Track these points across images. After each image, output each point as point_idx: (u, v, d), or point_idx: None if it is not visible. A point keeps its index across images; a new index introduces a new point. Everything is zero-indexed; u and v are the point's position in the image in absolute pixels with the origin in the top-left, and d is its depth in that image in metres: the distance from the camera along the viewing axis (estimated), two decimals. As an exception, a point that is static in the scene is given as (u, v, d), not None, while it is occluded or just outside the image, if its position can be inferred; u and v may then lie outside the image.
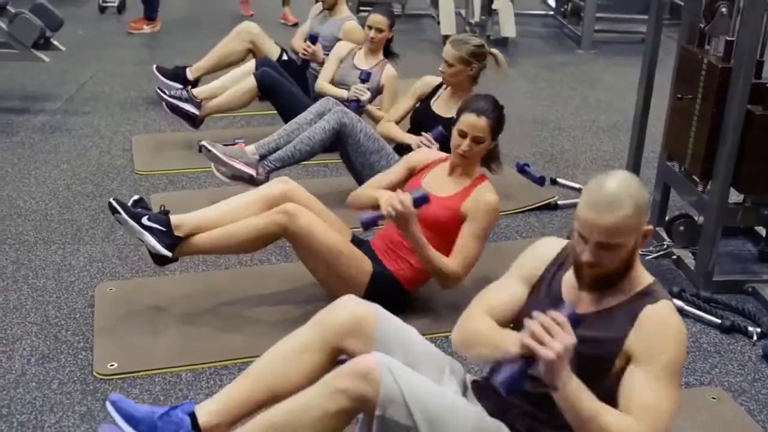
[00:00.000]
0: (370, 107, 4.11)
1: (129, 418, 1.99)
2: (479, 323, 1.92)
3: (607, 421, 1.70)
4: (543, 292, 1.96)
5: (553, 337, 1.64)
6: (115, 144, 4.52)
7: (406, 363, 1.89)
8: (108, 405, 2.02)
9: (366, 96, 4.03)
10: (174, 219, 2.75)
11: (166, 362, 2.62)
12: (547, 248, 2.02)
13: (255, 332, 2.79)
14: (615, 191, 1.75)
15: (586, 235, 1.77)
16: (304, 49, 4.56)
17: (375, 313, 2.05)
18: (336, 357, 2.05)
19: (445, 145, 3.20)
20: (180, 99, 4.31)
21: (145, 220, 2.72)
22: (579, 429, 1.73)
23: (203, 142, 3.57)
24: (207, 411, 2.00)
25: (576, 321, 1.69)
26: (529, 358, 1.67)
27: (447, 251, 2.78)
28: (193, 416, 1.98)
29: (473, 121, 2.80)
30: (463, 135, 2.82)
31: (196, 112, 4.33)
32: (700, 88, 3.12)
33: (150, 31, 6.91)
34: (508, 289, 2.00)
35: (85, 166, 4.20)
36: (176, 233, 2.74)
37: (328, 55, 4.51)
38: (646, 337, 1.78)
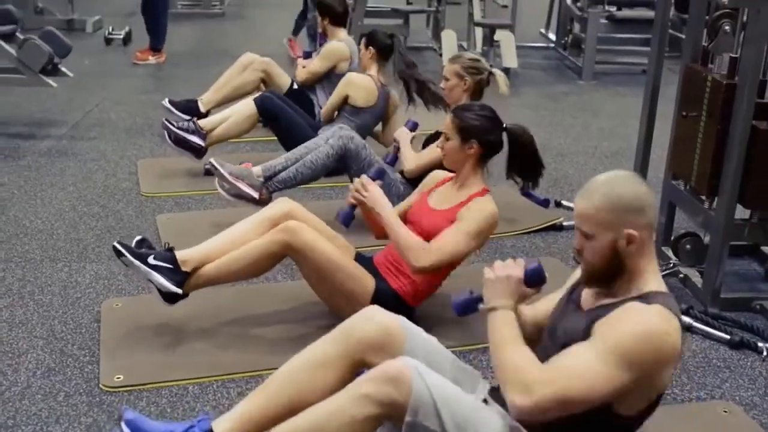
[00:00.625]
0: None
1: None
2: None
3: (512, 351, 1.77)
4: (565, 300, 2.00)
5: (503, 267, 1.90)
6: (120, 168, 4.54)
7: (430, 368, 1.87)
8: (123, 425, 1.96)
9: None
10: (180, 255, 2.73)
11: (173, 375, 2.60)
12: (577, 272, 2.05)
13: (261, 347, 2.78)
14: (596, 181, 1.83)
15: (574, 221, 1.87)
16: (298, 62, 4.82)
17: (402, 325, 2.03)
18: (357, 371, 2.00)
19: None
20: (186, 131, 4.30)
21: (151, 260, 2.69)
22: (492, 356, 1.82)
23: (211, 160, 3.58)
24: (224, 429, 1.94)
25: (534, 273, 1.92)
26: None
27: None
28: None
29: (446, 119, 2.88)
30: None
31: (202, 143, 4.31)
32: (705, 105, 3.15)
33: (155, 62, 6.98)
34: (544, 302, 2.10)
35: (91, 188, 4.22)
36: (183, 269, 2.71)
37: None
38: (610, 320, 1.74)
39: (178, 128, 4.30)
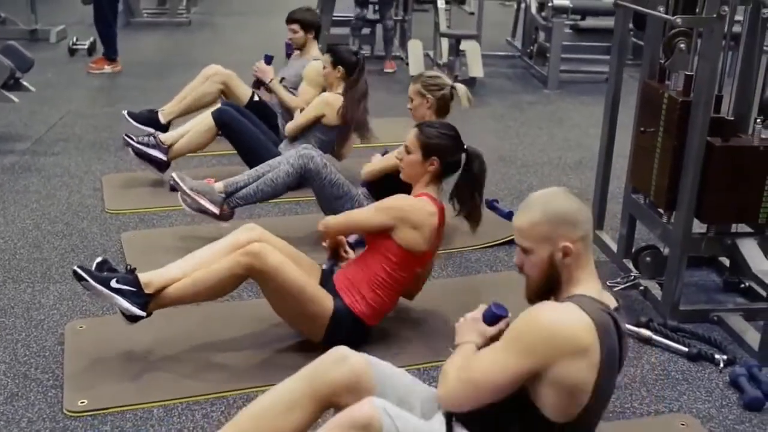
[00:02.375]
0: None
1: None
2: None
3: (447, 363, 1.95)
4: None
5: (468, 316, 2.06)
6: (85, 184, 4.51)
7: (399, 405, 1.92)
8: None
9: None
10: (143, 277, 2.71)
11: (137, 398, 2.60)
12: None
13: (226, 368, 2.78)
14: (532, 198, 1.93)
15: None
16: (255, 66, 4.69)
17: (370, 364, 2.06)
18: (326, 410, 2.04)
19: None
20: (147, 145, 4.33)
21: (113, 283, 2.66)
22: None
23: (173, 174, 3.58)
24: None
25: (489, 312, 2.05)
26: None
27: (387, 269, 2.86)
28: None
29: (409, 132, 2.94)
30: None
31: (164, 157, 4.35)
32: (662, 121, 3.21)
33: (111, 71, 6.94)
34: None
35: (54, 205, 4.19)
36: (147, 291, 2.70)
37: (287, 89, 4.65)
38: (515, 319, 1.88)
39: (139, 143, 4.31)
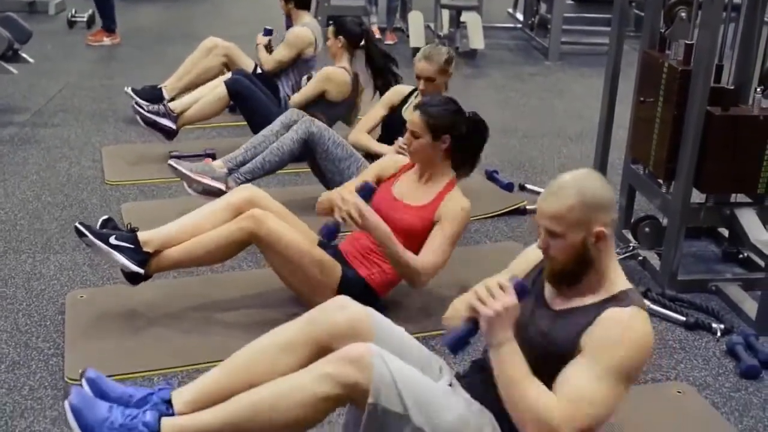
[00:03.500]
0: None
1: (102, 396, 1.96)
2: (457, 301, 2.14)
3: (526, 390, 1.76)
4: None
5: (495, 298, 1.78)
6: (85, 155, 4.51)
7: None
8: (83, 382, 1.98)
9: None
10: (141, 235, 2.76)
11: (138, 366, 2.62)
12: (536, 253, 2.05)
13: (226, 337, 2.79)
14: (564, 181, 1.84)
15: (537, 221, 1.86)
16: (259, 42, 4.75)
17: (372, 317, 2.03)
18: (320, 356, 1.98)
19: None
20: (157, 114, 4.34)
21: (112, 240, 2.72)
22: (504, 393, 1.79)
23: (171, 162, 3.58)
24: (183, 399, 1.95)
25: (522, 290, 1.83)
26: (476, 320, 1.80)
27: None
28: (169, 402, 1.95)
29: (411, 116, 2.88)
30: (407, 129, 2.89)
31: (173, 126, 4.37)
32: (662, 91, 3.20)
33: (110, 42, 6.90)
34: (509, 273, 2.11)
35: (54, 177, 4.19)
36: (145, 249, 2.74)
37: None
38: (599, 334, 1.79)
39: (149, 111, 4.33)
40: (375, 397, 1.78)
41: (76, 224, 2.72)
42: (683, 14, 3.16)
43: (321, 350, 1.98)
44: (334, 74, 4.23)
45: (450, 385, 2.01)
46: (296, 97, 4.35)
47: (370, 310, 2.06)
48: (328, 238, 2.67)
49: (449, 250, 2.83)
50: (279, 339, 2.01)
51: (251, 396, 1.87)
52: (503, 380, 1.79)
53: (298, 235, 2.79)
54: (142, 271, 2.74)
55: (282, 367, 1.95)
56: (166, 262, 2.80)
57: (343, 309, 2.03)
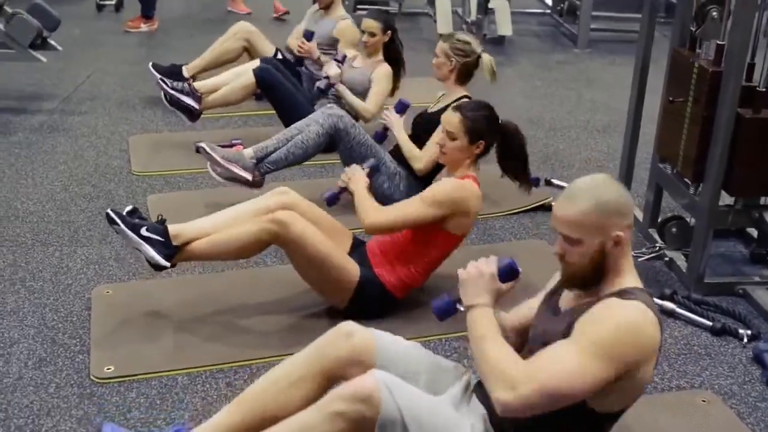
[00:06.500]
0: (342, 89, 4.13)
1: None
2: None
3: (494, 346, 1.79)
4: (545, 303, 2.03)
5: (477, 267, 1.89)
6: (112, 144, 4.54)
7: (403, 378, 1.93)
8: None
9: (334, 71, 4.14)
10: (172, 229, 2.77)
11: (163, 366, 2.65)
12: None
13: (250, 335, 2.83)
14: (580, 186, 1.84)
15: (553, 227, 1.86)
16: (299, 46, 4.58)
17: (374, 339, 2.08)
18: (333, 384, 2.06)
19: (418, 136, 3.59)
20: (182, 92, 4.36)
21: (143, 231, 2.72)
22: (474, 353, 1.83)
23: (201, 144, 3.59)
24: None
25: (509, 268, 1.90)
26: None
27: (425, 248, 2.88)
28: None
29: (447, 116, 2.88)
30: (443, 130, 2.89)
31: (197, 105, 4.38)
32: (691, 91, 3.15)
33: (147, 29, 6.92)
34: (528, 303, 2.15)
35: (82, 167, 4.23)
36: (174, 243, 2.75)
37: (324, 52, 4.54)
38: (588, 316, 1.78)
39: (173, 89, 4.33)
40: (381, 430, 1.82)
41: (108, 210, 2.72)
42: (715, 13, 3.09)
43: (331, 379, 2.07)
44: (390, 72, 4.21)
45: (466, 389, 2.03)
46: (372, 109, 4.13)
47: (375, 332, 2.11)
48: (329, 202, 3.08)
49: (415, 208, 2.84)
50: (287, 373, 2.09)
51: None
52: (472, 339, 1.84)
53: (321, 239, 2.79)
54: (169, 264, 2.76)
55: (296, 401, 2.02)
56: (190, 255, 2.82)
57: (348, 337, 2.08)
